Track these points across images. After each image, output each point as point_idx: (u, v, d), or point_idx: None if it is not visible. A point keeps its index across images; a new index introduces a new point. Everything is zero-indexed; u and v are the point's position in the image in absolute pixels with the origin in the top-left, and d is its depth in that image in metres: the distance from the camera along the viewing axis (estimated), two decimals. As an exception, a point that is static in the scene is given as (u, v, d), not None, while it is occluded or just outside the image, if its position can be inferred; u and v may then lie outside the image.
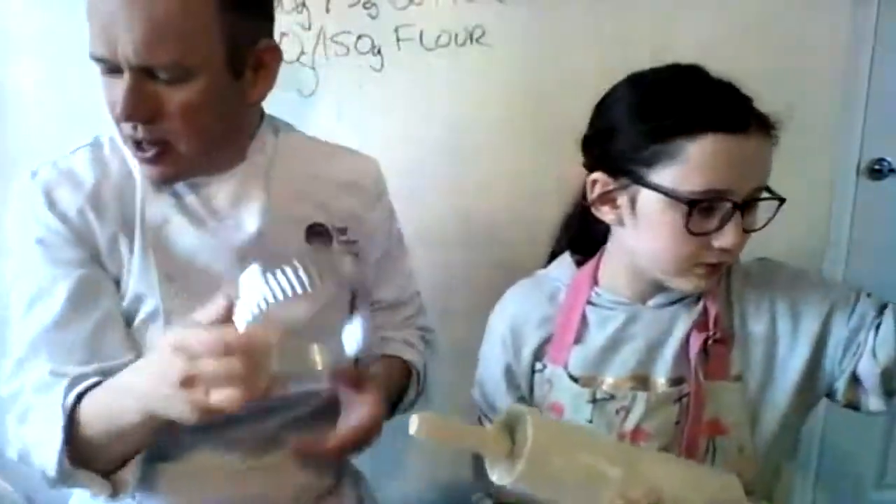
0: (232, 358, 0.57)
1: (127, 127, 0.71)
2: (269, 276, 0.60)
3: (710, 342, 0.79)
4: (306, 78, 1.07)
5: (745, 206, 0.73)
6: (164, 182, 0.77)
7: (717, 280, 0.79)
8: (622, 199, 0.77)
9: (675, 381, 0.80)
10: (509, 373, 0.88)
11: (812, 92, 1.15)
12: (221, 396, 0.57)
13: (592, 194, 0.79)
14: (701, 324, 0.80)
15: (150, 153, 0.73)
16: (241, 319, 0.59)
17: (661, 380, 0.81)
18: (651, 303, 0.83)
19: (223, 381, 0.57)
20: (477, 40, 1.08)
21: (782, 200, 0.78)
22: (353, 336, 0.84)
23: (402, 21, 1.06)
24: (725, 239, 0.73)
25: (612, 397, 0.80)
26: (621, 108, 0.79)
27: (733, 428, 0.80)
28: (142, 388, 0.64)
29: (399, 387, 0.90)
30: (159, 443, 0.75)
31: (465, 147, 1.11)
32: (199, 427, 0.73)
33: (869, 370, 0.77)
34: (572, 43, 1.09)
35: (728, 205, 0.73)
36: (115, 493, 0.73)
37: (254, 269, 0.60)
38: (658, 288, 0.81)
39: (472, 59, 1.08)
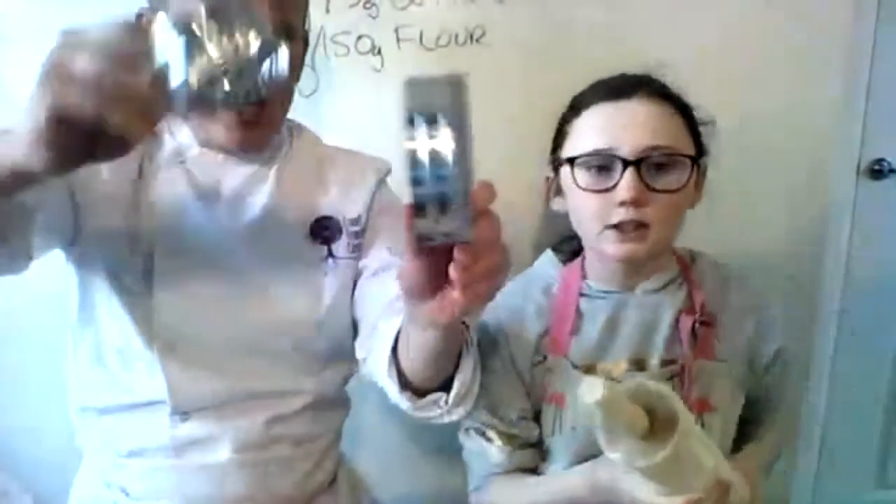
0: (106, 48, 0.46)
1: None
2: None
3: (697, 325, 0.85)
4: (306, 78, 1.07)
5: (640, 163, 0.80)
6: (253, 149, 0.79)
7: (653, 248, 0.83)
8: (558, 186, 0.90)
9: (667, 363, 0.85)
10: (514, 365, 0.89)
11: (812, 92, 1.15)
12: (79, 94, 0.44)
13: (546, 191, 0.92)
14: (688, 308, 0.87)
15: (250, 114, 0.74)
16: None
17: (654, 361, 0.86)
18: (639, 290, 0.88)
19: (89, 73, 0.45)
20: (477, 40, 1.08)
21: (692, 158, 0.84)
22: None
23: (402, 21, 1.07)
24: (620, 191, 0.80)
25: (614, 381, 0.83)
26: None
27: (720, 405, 0.86)
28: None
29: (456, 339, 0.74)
30: (149, 443, 0.77)
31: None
32: (185, 419, 0.77)
33: None
34: (572, 43, 1.09)
35: (618, 162, 0.80)
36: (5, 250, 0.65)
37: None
38: (641, 275, 0.88)
39: (472, 59, 1.08)
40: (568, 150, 0.87)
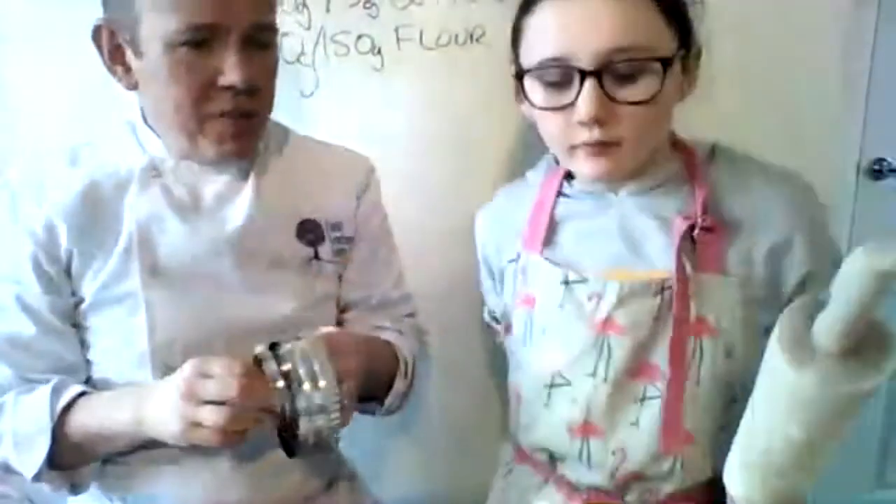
0: (232, 381, 0.63)
1: (225, 97, 0.71)
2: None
3: (696, 230, 0.72)
4: (306, 78, 1.07)
5: (602, 73, 0.67)
6: (241, 158, 0.79)
7: (632, 163, 0.73)
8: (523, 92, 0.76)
9: (656, 274, 0.73)
10: (491, 270, 0.90)
11: (812, 92, 1.15)
12: (211, 414, 0.63)
13: (514, 93, 0.80)
14: (686, 210, 0.74)
15: (241, 125, 0.74)
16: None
17: (641, 271, 0.74)
18: (624, 191, 0.77)
19: (217, 398, 0.64)
20: (477, 40, 1.08)
21: (663, 61, 0.69)
22: None
23: (402, 21, 1.06)
24: (578, 110, 0.68)
25: (585, 281, 0.75)
26: None
27: (723, 328, 0.72)
28: (143, 401, 0.69)
29: (387, 368, 0.86)
30: (147, 449, 0.76)
31: (466, 146, 1.11)
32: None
33: None
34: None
35: (575, 73, 0.68)
36: (75, 490, 0.78)
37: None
38: (629, 175, 0.76)
39: (472, 59, 1.08)
40: (521, 56, 0.75)
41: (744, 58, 1.12)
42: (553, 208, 0.80)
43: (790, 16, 1.12)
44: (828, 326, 0.47)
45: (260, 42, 0.73)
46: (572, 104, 0.69)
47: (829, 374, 0.48)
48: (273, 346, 0.68)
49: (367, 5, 1.06)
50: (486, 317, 0.98)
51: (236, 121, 0.73)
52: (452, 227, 1.11)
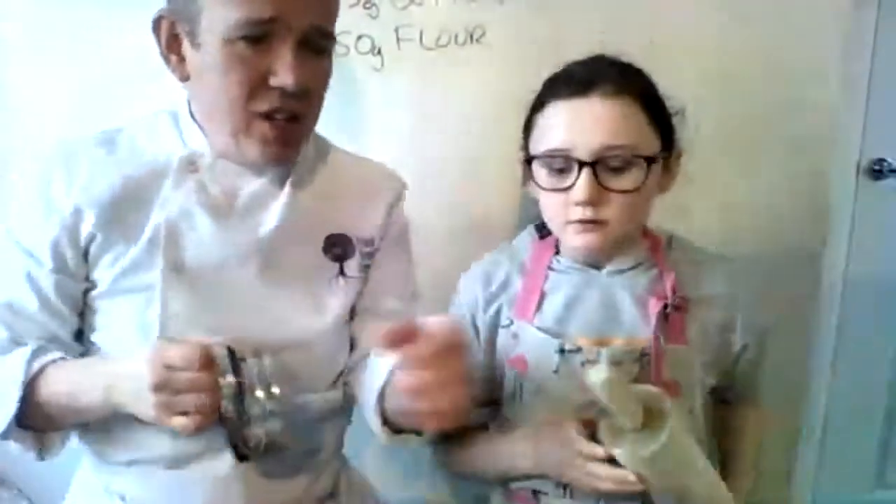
0: (203, 373, 0.65)
1: (274, 97, 0.71)
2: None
3: (668, 308, 0.86)
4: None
5: (596, 164, 0.82)
6: (283, 164, 0.78)
7: (613, 241, 0.86)
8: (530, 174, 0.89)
9: (633, 344, 0.86)
10: (475, 330, 0.94)
11: (812, 92, 1.15)
12: (191, 401, 0.65)
13: (522, 175, 0.93)
14: (658, 290, 0.87)
15: (287, 129, 0.73)
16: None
17: (618, 341, 0.86)
18: (606, 269, 0.90)
19: (191, 390, 0.65)
20: (477, 40, 1.08)
21: (648, 160, 0.84)
22: None
23: (402, 21, 1.06)
24: (575, 193, 0.82)
25: (579, 350, 0.85)
26: None
27: (686, 390, 0.87)
28: (113, 380, 0.70)
29: None
30: (149, 453, 0.77)
31: (466, 146, 1.11)
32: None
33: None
34: (572, 43, 1.08)
35: (575, 163, 0.82)
36: (42, 454, 0.78)
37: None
38: (606, 256, 0.89)
39: (472, 59, 1.08)
40: (531, 146, 0.89)
41: (744, 57, 1.12)
42: (544, 281, 0.91)
43: (790, 16, 1.12)
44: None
45: (316, 46, 0.73)
46: (570, 187, 0.83)
47: (631, 445, 0.76)
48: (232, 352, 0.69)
49: (367, 5, 1.06)
50: None
51: (283, 123, 0.73)
52: (453, 227, 1.11)
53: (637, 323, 0.86)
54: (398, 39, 1.07)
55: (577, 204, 0.82)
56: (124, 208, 0.75)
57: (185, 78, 0.76)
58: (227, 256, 0.76)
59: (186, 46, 0.73)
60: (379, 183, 0.88)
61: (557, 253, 0.92)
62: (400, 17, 1.06)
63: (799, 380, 1.33)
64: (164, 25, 0.74)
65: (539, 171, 0.86)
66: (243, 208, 0.77)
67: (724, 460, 0.97)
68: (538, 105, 0.89)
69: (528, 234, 0.97)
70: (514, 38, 1.08)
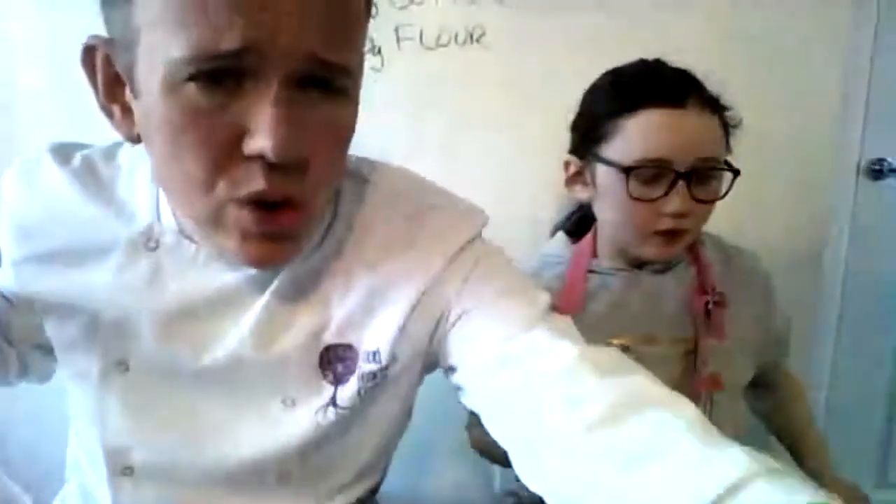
0: None
1: (253, 172, 0.45)
2: None
3: (710, 304, 0.86)
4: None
5: (691, 175, 0.80)
6: (274, 265, 0.54)
7: (684, 248, 0.86)
8: (588, 177, 0.87)
9: (676, 341, 0.86)
10: None
11: (812, 92, 1.15)
12: None
13: (566, 175, 0.89)
14: (699, 288, 0.88)
15: (278, 221, 0.48)
16: None
17: (663, 338, 0.87)
18: (648, 268, 0.89)
19: None
20: (477, 40, 1.08)
21: (735, 172, 0.84)
22: None
23: (402, 21, 1.06)
24: (671, 204, 0.80)
25: (627, 349, 0.84)
26: (589, 96, 0.89)
27: (730, 383, 0.87)
28: None
29: None
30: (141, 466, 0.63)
31: (466, 147, 1.11)
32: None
33: None
34: (572, 43, 1.09)
35: (670, 173, 0.80)
36: None
37: None
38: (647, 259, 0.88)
39: (472, 59, 1.08)
40: (616, 151, 0.83)
41: (744, 57, 1.12)
42: (585, 284, 0.90)
43: (791, 16, 1.12)
44: None
45: (322, 84, 0.47)
46: (663, 197, 0.80)
47: None
48: None
49: (367, 5, 1.06)
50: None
51: (269, 213, 0.47)
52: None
53: (681, 320, 0.87)
54: (398, 39, 1.07)
55: (673, 215, 0.81)
56: (63, 272, 0.57)
57: (132, 138, 0.52)
58: (179, 367, 0.58)
59: (129, 93, 0.50)
60: (431, 239, 0.60)
61: (595, 255, 0.92)
62: (400, 16, 1.06)
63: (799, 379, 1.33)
64: (99, 59, 0.51)
65: (631, 181, 0.81)
66: (203, 314, 0.57)
67: (792, 445, 1.00)
68: (623, 109, 0.83)
69: (559, 241, 0.96)
70: (514, 38, 1.08)
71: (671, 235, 0.83)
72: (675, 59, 0.88)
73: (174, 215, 0.57)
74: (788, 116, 1.15)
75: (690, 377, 0.85)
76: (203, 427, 0.60)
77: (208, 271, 0.57)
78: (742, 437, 0.89)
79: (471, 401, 0.60)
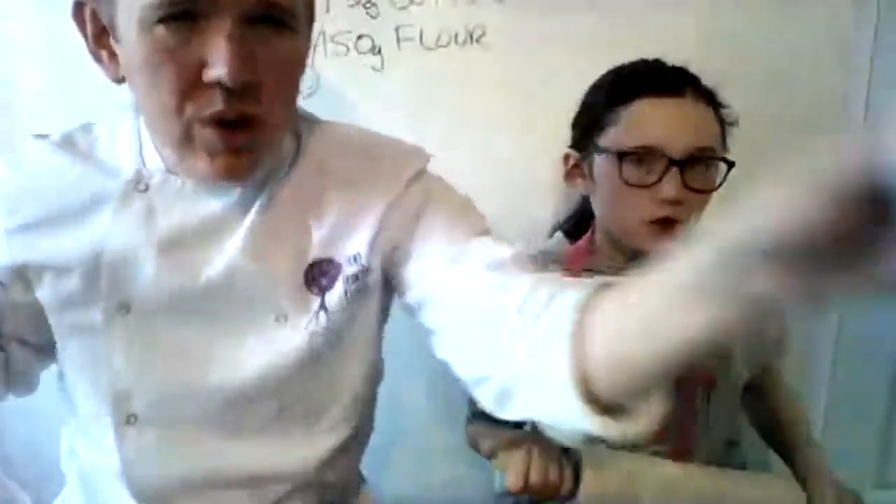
0: None
1: (214, 97, 0.54)
2: None
3: None
4: (306, 78, 1.07)
5: (685, 163, 0.80)
6: (238, 178, 0.60)
7: (673, 240, 0.84)
8: (585, 170, 0.88)
9: None
10: None
11: (812, 92, 1.15)
12: None
13: (565, 168, 0.91)
14: None
15: (237, 137, 0.57)
16: None
17: None
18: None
19: None
20: (477, 40, 1.08)
21: (730, 164, 0.85)
22: None
23: (402, 21, 1.07)
24: (664, 190, 0.80)
25: None
26: (590, 92, 0.90)
27: (724, 382, 0.88)
28: None
29: None
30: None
31: (466, 147, 1.11)
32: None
33: None
34: (572, 43, 1.09)
35: (664, 160, 0.80)
36: None
37: None
38: (643, 253, 0.87)
39: (472, 59, 1.08)
40: (612, 140, 0.84)
41: (744, 58, 1.12)
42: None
43: (791, 16, 1.12)
44: None
45: (271, 21, 0.56)
46: (656, 184, 0.81)
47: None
48: None
49: (367, 5, 1.06)
50: (470, 416, 0.99)
51: (229, 132, 0.56)
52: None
53: None
54: (398, 39, 1.07)
55: (665, 202, 0.81)
56: (59, 233, 0.63)
57: (117, 79, 0.61)
58: (179, 296, 0.63)
59: (113, 40, 0.59)
60: (386, 169, 0.68)
61: (591, 253, 0.92)
62: (400, 17, 1.06)
63: (799, 380, 1.33)
64: (87, 14, 0.60)
65: (625, 166, 0.82)
66: (196, 237, 0.63)
67: (785, 454, 0.96)
68: (619, 98, 0.85)
69: (557, 241, 0.97)
70: (514, 38, 1.08)
71: (665, 225, 0.82)
72: (676, 59, 0.88)
73: (159, 154, 0.64)
74: (788, 116, 1.15)
75: (684, 374, 0.85)
76: (205, 355, 0.65)
77: (195, 201, 0.63)
78: (741, 438, 0.90)
79: (426, 317, 0.65)
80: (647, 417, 0.44)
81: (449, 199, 0.70)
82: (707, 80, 0.87)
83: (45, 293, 0.64)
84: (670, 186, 0.80)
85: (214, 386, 0.65)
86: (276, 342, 0.65)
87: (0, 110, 1.07)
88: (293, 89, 0.62)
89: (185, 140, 0.57)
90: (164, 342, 0.65)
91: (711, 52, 1.11)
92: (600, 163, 0.86)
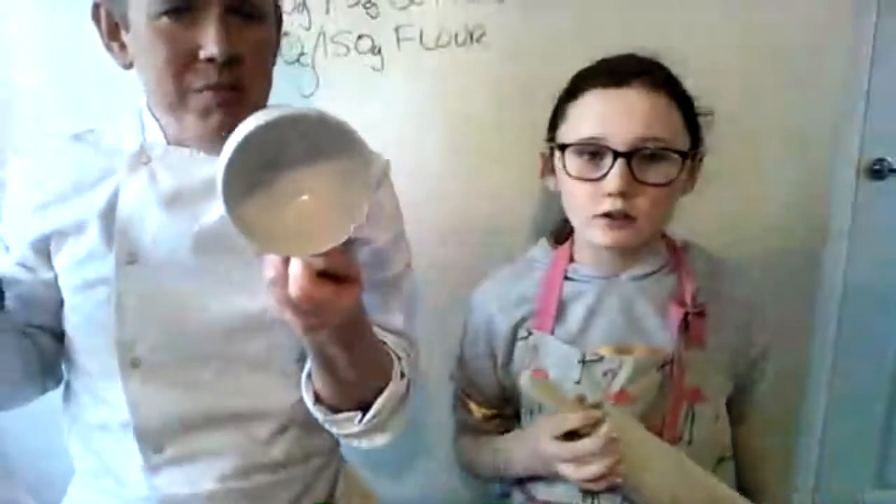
0: None
1: (208, 70, 0.69)
2: None
3: (689, 315, 0.84)
4: (306, 78, 1.07)
5: (631, 155, 0.79)
6: (227, 132, 0.69)
7: (639, 239, 0.84)
8: (551, 167, 0.89)
9: (654, 351, 0.85)
10: (490, 347, 0.94)
11: (812, 92, 1.15)
12: None
13: (542, 167, 0.92)
14: (678, 297, 0.86)
15: (227, 96, 0.71)
16: None
17: (640, 348, 0.86)
18: (624, 276, 0.88)
19: None
20: (477, 40, 1.08)
21: (683, 155, 0.82)
22: None
23: (402, 21, 1.06)
24: (609, 183, 0.80)
25: (601, 359, 0.84)
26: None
27: (710, 395, 0.86)
28: None
29: (382, 357, 0.76)
30: (127, 473, 0.76)
31: (466, 147, 1.11)
32: (158, 449, 0.76)
33: None
34: (572, 43, 1.08)
35: (610, 153, 0.80)
36: None
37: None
38: (629, 261, 0.88)
39: (472, 59, 1.08)
40: (563, 134, 0.86)
41: (744, 57, 1.12)
42: (560, 290, 0.89)
43: (790, 17, 1.12)
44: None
45: (245, 13, 0.71)
46: (603, 177, 0.80)
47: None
48: None
49: (367, 5, 1.06)
50: (460, 394, 1.01)
51: (220, 92, 0.70)
52: (452, 226, 1.11)
53: (658, 330, 0.85)
54: (398, 39, 1.07)
55: (609, 195, 0.80)
56: (76, 202, 0.76)
57: (127, 65, 0.75)
58: (178, 247, 0.74)
59: (124, 32, 0.73)
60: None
61: (572, 261, 0.91)
62: (400, 17, 1.06)
63: (799, 379, 1.33)
64: (103, 13, 0.74)
65: (570, 159, 0.83)
66: (194, 196, 0.75)
67: (743, 480, 0.93)
68: (571, 94, 0.87)
69: (542, 246, 0.96)
70: (514, 38, 1.08)
71: (617, 221, 0.81)
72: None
73: (161, 129, 0.76)
74: (788, 116, 1.15)
75: (668, 388, 0.84)
76: (201, 300, 0.75)
77: (193, 165, 0.75)
78: (724, 451, 0.89)
79: None
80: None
81: (393, 212, 0.85)
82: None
83: (63, 257, 0.76)
84: (615, 178, 0.79)
85: (209, 326, 0.75)
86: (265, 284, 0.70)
87: (0, 110, 1.07)
88: (267, 63, 0.76)
89: (183, 102, 0.71)
90: (166, 289, 0.74)
91: (710, 50, 1.11)
92: (557, 159, 0.87)
